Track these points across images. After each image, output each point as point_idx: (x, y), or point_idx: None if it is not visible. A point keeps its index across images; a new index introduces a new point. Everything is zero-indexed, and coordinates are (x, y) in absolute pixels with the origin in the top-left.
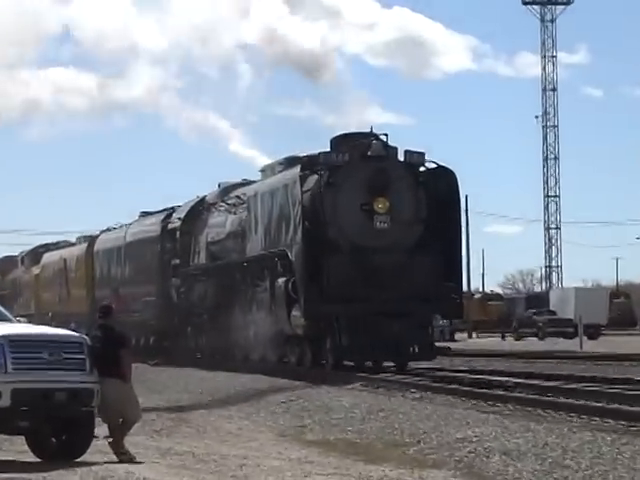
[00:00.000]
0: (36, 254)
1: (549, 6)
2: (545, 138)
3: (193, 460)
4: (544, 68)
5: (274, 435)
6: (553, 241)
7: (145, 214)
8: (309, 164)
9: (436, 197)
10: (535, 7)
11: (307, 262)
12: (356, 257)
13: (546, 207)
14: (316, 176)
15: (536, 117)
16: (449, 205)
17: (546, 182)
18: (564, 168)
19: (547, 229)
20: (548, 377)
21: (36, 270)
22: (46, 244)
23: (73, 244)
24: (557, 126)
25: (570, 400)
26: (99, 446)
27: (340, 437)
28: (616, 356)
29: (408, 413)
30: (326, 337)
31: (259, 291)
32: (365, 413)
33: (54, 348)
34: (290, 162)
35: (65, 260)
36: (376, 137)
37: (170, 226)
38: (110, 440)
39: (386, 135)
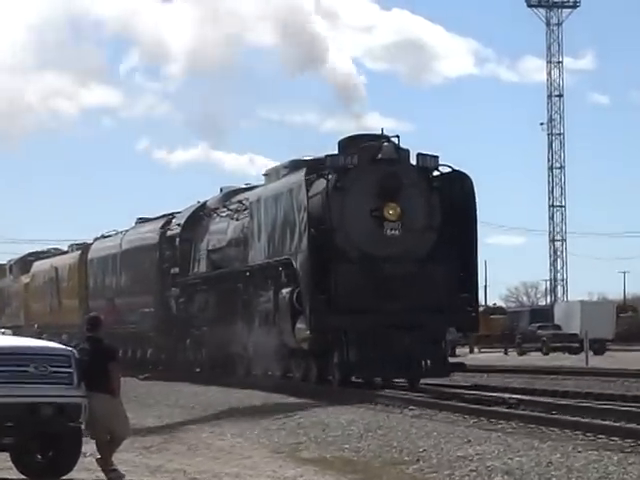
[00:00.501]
0: (25, 262)
1: (555, 9)
2: (550, 146)
3: (184, 478)
4: (549, 73)
5: (268, 452)
6: (558, 253)
7: (142, 220)
8: (315, 167)
9: (450, 203)
10: (541, 10)
11: (313, 271)
12: (365, 266)
13: (551, 217)
14: (323, 180)
15: (541, 124)
16: (464, 212)
17: (551, 192)
18: (570, 177)
19: (552, 240)
20: (552, 394)
21: (25, 279)
22: (36, 252)
23: (65, 252)
24: (563, 134)
25: (575, 418)
26: (86, 463)
27: (337, 455)
28: (623, 372)
29: (407, 430)
30: (333, 351)
31: (262, 302)
32: (363, 430)
33: (41, 361)
34: (295, 165)
35: (56, 269)
36: (387, 139)
37: (169, 233)
38: (98, 457)
39: (397, 137)
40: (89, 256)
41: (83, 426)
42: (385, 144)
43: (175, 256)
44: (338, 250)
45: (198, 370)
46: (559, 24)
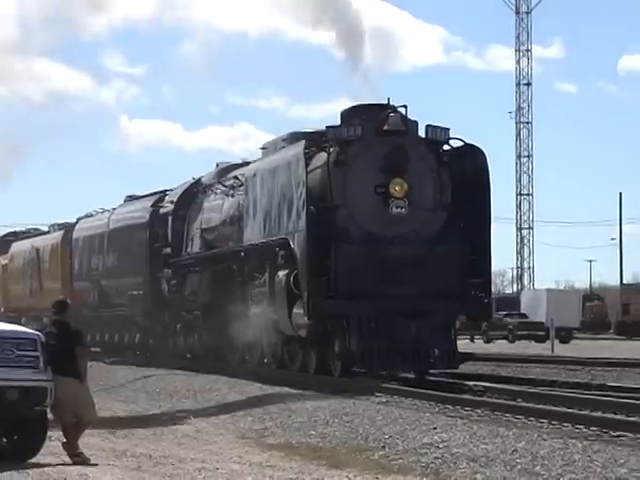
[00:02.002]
0: (3, 243)
1: None
2: (518, 134)
3: (150, 463)
4: (518, 62)
5: (234, 438)
6: (525, 241)
7: (131, 198)
8: (316, 140)
9: (462, 180)
10: None
11: (312, 252)
12: (369, 247)
13: (518, 206)
14: (323, 153)
15: (509, 113)
16: (477, 189)
17: (519, 180)
18: (538, 166)
19: (519, 228)
20: (518, 381)
21: (3, 260)
22: (15, 232)
23: (46, 232)
24: (531, 122)
25: (540, 405)
26: (52, 447)
27: (303, 441)
28: (588, 361)
29: (373, 417)
30: (333, 340)
31: (257, 285)
32: (329, 417)
33: (6, 344)
34: (294, 138)
35: (38, 249)
36: (394, 109)
37: (161, 211)
38: (63, 441)
39: (405, 107)
40: (74, 235)
41: (49, 410)
42: (392, 114)
43: (167, 235)
44: (339, 229)
45: (189, 356)
46: (528, 12)
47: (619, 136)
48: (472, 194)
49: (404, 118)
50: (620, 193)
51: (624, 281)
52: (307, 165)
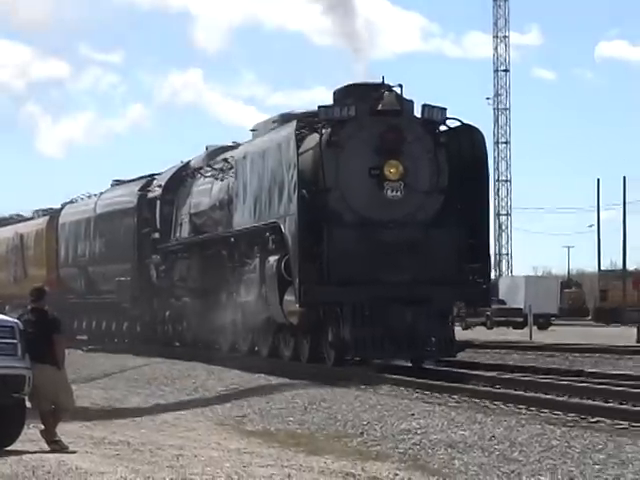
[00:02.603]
0: None
1: None
2: (496, 121)
3: (128, 450)
4: (496, 48)
5: (212, 425)
6: (503, 227)
7: (118, 182)
8: (308, 121)
9: (459, 161)
10: None
11: (303, 237)
12: (363, 231)
13: (496, 192)
14: (315, 134)
15: (487, 99)
16: (474, 171)
17: (497, 167)
18: (515, 152)
19: (497, 215)
20: (496, 368)
21: None
22: None
23: (29, 218)
24: (509, 108)
25: (518, 392)
26: (30, 435)
27: (281, 427)
28: (566, 347)
29: (351, 403)
30: (326, 327)
31: (247, 271)
32: (307, 403)
33: None
34: (285, 119)
35: (22, 236)
36: (389, 88)
37: (150, 195)
38: (42, 428)
39: (401, 86)
40: (60, 221)
41: (27, 398)
42: (386, 93)
43: (155, 220)
44: (332, 213)
45: (177, 344)
46: None
47: (597, 122)
48: (470, 176)
49: (399, 97)
50: (598, 179)
51: (602, 267)
52: (298, 147)
